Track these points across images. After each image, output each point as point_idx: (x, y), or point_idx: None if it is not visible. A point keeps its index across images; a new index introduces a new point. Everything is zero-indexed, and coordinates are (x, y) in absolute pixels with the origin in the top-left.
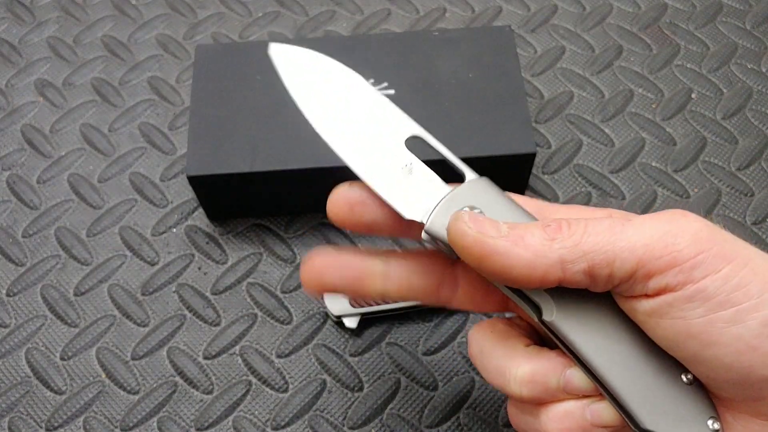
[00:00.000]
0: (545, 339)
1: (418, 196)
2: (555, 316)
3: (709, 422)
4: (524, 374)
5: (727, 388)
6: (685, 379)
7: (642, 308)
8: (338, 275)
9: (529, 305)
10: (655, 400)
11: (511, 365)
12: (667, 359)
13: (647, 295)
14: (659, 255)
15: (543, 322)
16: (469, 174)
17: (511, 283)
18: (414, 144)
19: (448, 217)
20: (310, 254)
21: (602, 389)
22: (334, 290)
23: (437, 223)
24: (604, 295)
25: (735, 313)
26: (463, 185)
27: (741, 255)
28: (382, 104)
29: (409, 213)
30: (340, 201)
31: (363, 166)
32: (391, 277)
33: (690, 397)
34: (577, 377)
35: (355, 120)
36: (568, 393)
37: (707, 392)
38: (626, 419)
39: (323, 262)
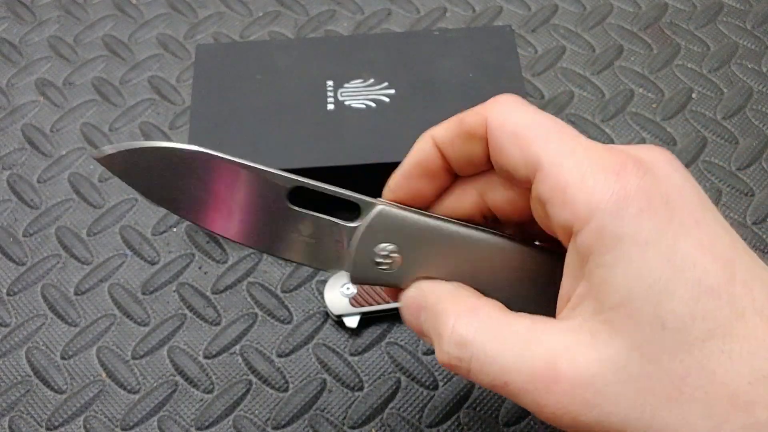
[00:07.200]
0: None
1: (327, 248)
2: None
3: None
4: None
5: None
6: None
7: None
8: None
9: None
10: None
11: None
12: None
13: None
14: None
15: None
16: (365, 205)
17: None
18: (298, 193)
19: (368, 258)
20: None
21: None
22: None
23: (360, 269)
24: None
25: None
26: (366, 222)
27: None
28: (246, 169)
29: (331, 269)
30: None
31: (262, 244)
32: None
33: None
34: None
35: (228, 200)
36: None
37: None
38: None
39: None
